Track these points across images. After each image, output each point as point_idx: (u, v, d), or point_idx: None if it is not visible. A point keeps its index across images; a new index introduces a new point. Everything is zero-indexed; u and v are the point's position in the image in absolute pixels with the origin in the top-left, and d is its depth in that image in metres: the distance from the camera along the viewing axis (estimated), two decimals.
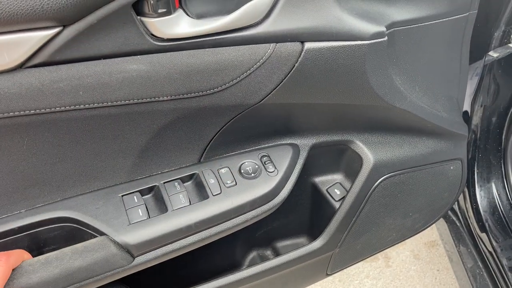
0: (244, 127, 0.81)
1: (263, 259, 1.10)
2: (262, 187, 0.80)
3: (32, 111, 0.61)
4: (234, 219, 0.78)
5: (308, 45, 0.71)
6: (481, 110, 1.24)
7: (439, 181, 1.04)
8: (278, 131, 0.86)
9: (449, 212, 1.39)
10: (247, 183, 0.80)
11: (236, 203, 0.78)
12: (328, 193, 1.00)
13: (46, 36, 0.57)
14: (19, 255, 0.66)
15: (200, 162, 0.82)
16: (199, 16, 0.66)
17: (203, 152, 0.81)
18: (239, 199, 0.78)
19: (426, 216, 1.10)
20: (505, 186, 1.28)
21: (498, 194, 1.28)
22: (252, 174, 0.81)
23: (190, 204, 0.76)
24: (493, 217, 1.27)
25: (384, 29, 0.74)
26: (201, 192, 0.78)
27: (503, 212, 1.26)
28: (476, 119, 1.24)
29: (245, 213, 0.79)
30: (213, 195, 0.77)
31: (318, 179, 1.02)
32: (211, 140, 0.80)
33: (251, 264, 1.08)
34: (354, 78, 0.76)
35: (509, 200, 1.28)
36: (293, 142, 0.88)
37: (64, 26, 0.58)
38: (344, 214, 0.94)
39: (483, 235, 1.27)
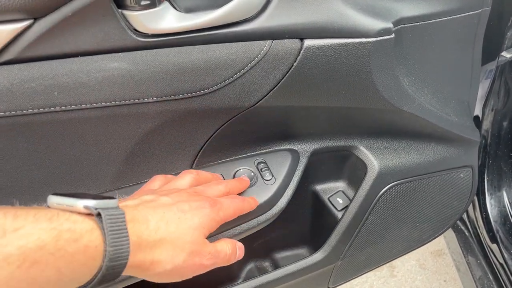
0: (239, 131, 0.75)
1: (261, 271, 1.05)
2: (258, 197, 0.75)
3: (1, 113, 0.55)
4: (227, 231, 0.73)
5: (307, 42, 0.65)
6: (491, 114, 1.18)
7: (448, 190, 0.98)
8: (276, 136, 0.81)
9: (458, 221, 1.34)
10: (241, 192, 0.74)
11: None
12: (330, 202, 0.94)
13: (14, 30, 0.51)
14: (251, 203, 0.71)
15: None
16: (188, 10, 0.60)
17: (195, 159, 0.75)
18: None
19: (434, 227, 1.04)
20: None
21: (510, 203, 1.22)
22: None
23: None
24: (504, 227, 1.21)
25: (391, 25, 0.68)
26: None
27: None
28: (486, 124, 1.18)
29: (239, 224, 0.74)
30: None
31: (320, 187, 0.96)
32: (204, 145, 0.74)
33: (248, 277, 1.02)
34: (358, 79, 0.71)
35: None
36: (292, 147, 0.83)
37: (35, 19, 0.52)
38: (347, 225, 0.88)
39: (494, 246, 1.21)
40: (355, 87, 0.72)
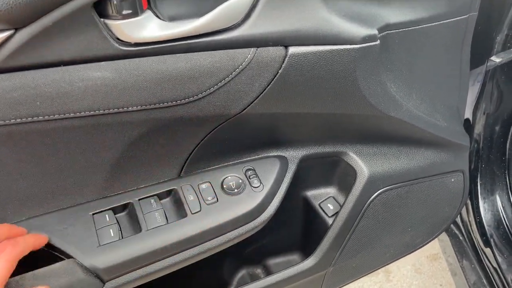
0: (227, 139, 0.75)
1: (253, 278, 1.04)
2: (246, 204, 0.74)
3: None
4: (215, 239, 0.72)
5: (292, 49, 0.65)
6: (483, 118, 1.17)
7: (439, 195, 0.98)
8: (264, 143, 0.80)
9: (451, 225, 1.33)
10: (229, 200, 0.74)
11: (217, 222, 0.72)
12: (321, 208, 0.94)
13: None
14: (29, 242, 0.58)
15: (179, 176, 0.76)
16: (171, 19, 0.60)
17: (183, 166, 0.75)
18: (220, 218, 0.72)
19: (425, 232, 1.04)
20: (510, 198, 1.22)
21: (503, 207, 1.22)
22: (235, 190, 0.75)
23: (167, 223, 0.70)
24: (497, 231, 1.20)
25: (376, 32, 0.68)
26: (179, 209, 0.72)
27: (509, 226, 1.20)
28: (478, 128, 1.18)
29: (226, 232, 0.73)
30: (192, 213, 0.71)
31: (310, 193, 0.96)
32: (191, 153, 0.74)
33: (240, 284, 1.02)
34: (344, 86, 0.70)
35: None
36: (281, 154, 0.82)
37: (16, 29, 0.52)
38: (337, 231, 0.88)
39: (487, 250, 1.20)
40: (342, 93, 0.72)
